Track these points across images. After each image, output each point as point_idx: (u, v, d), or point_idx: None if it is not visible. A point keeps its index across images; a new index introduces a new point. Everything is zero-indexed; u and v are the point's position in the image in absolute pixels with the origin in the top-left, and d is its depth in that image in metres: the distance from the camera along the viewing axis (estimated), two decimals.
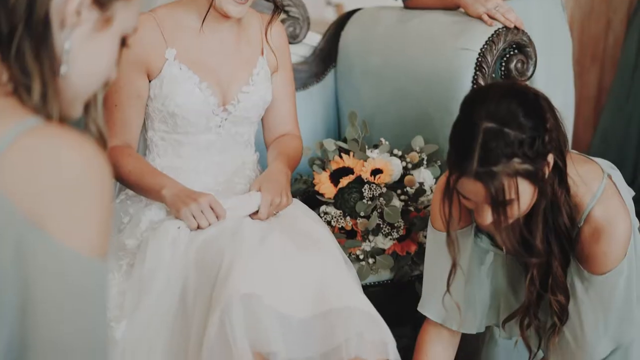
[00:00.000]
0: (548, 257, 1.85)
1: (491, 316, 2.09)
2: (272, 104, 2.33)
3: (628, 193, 1.94)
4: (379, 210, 2.32)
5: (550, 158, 1.78)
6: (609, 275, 1.86)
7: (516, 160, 1.73)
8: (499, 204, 1.75)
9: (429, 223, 2.05)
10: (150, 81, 2.19)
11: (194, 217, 2.04)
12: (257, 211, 2.12)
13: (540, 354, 2.02)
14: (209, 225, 2.05)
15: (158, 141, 2.24)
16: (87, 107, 1.23)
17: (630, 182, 2.01)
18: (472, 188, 1.76)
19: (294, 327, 1.89)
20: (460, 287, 2.00)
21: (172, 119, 2.19)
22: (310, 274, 1.95)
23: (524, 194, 1.76)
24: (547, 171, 1.78)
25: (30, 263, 1.07)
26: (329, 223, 2.32)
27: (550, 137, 1.77)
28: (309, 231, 2.11)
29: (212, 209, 2.06)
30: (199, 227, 2.04)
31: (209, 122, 2.20)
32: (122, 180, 2.18)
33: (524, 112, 1.74)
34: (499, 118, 1.73)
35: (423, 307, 2.08)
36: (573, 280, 1.90)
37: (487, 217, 1.79)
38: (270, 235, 2.01)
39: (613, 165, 1.98)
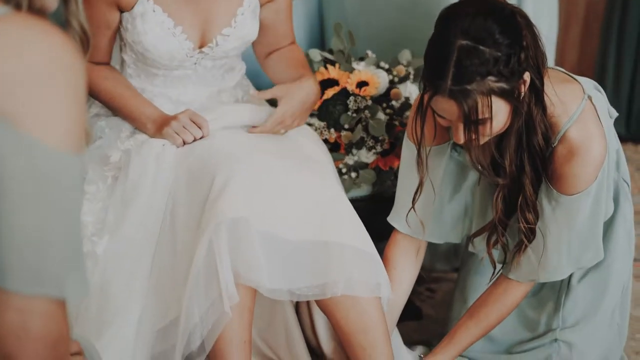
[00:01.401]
0: (520, 176, 1.84)
1: (463, 230, 2.09)
2: (267, 30, 2.18)
3: (609, 116, 1.92)
4: (363, 123, 2.29)
5: (527, 76, 1.75)
6: (577, 197, 1.85)
7: (491, 78, 1.70)
8: (472, 122, 1.73)
9: (405, 135, 2.03)
10: (122, 12, 2.05)
11: (177, 134, 2.00)
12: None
13: None
14: (194, 139, 2.01)
15: (131, 64, 2.14)
16: (67, 1, 1.17)
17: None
18: (445, 106, 1.75)
19: (286, 251, 1.87)
20: (429, 202, 2.00)
21: (142, 55, 2.08)
22: (311, 196, 1.93)
23: (499, 113, 1.74)
24: (523, 90, 1.76)
25: (1, 158, 1.03)
26: None
27: (527, 54, 1.74)
28: (312, 155, 2.08)
29: (193, 122, 2.01)
30: (185, 143, 2.01)
31: (183, 62, 2.09)
32: (100, 99, 2.12)
33: (500, 29, 1.71)
34: (474, 35, 1.70)
35: (393, 219, 2.08)
36: (541, 199, 1.89)
37: (461, 135, 1.77)
38: (268, 155, 1.97)
39: (598, 86, 1.95)
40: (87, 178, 2.02)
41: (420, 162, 1.90)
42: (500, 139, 1.83)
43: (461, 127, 1.76)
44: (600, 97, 1.91)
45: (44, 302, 1.05)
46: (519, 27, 1.74)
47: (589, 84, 1.92)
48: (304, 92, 2.11)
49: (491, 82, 1.70)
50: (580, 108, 1.83)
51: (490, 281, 2.00)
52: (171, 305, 1.88)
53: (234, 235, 1.81)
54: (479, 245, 2.02)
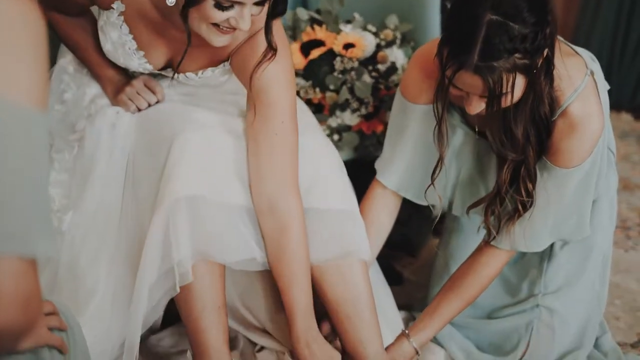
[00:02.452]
0: (525, 148, 1.83)
1: (446, 193, 2.08)
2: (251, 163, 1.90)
3: (605, 88, 1.91)
4: (348, 85, 2.26)
5: (545, 52, 1.73)
6: (570, 171, 1.85)
7: (517, 55, 1.68)
8: (494, 97, 1.71)
9: (398, 89, 2.01)
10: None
11: (131, 100, 1.96)
12: None
13: None
14: (149, 105, 1.97)
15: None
16: None
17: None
18: (468, 81, 1.72)
19: (252, 219, 1.86)
20: (421, 163, 1.99)
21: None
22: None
23: (517, 87, 1.72)
24: (539, 64, 1.74)
25: None
26: (297, 94, 2.25)
27: (551, 30, 1.72)
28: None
29: (147, 87, 1.97)
30: (140, 110, 1.97)
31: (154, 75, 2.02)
32: (68, 47, 2.05)
33: (528, 5, 1.68)
34: (504, 11, 1.66)
35: (383, 175, 2.06)
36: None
37: (476, 107, 1.76)
38: (236, 119, 1.94)
39: (594, 57, 1.94)
40: (55, 146, 1.98)
41: (440, 136, 1.86)
42: (505, 112, 1.81)
43: (477, 99, 1.75)
44: (598, 71, 1.90)
45: (13, 260, 1.04)
46: (546, 3, 1.72)
47: (588, 56, 1.91)
48: None
49: (517, 59, 1.68)
50: (583, 83, 1.82)
51: (478, 230, 1.99)
52: None
53: (193, 212, 1.78)
54: (474, 213, 2.01)
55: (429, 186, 1.92)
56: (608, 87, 1.95)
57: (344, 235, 1.91)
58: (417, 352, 1.97)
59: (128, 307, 1.83)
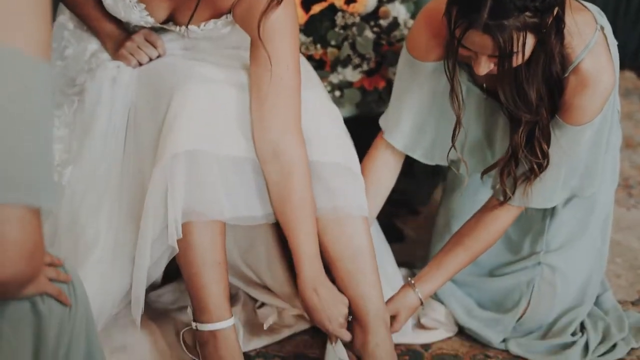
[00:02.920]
0: (538, 108, 1.81)
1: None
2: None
3: (614, 44, 1.89)
4: (350, 41, 2.24)
5: (555, 10, 1.71)
6: (582, 127, 1.83)
7: (527, 14, 1.65)
8: (504, 57, 1.69)
9: (404, 46, 1.98)
10: None
11: (131, 55, 1.94)
12: None
13: None
14: (150, 59, 1.95)
15: None
16: None
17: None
18: (477, 40, 1.69)
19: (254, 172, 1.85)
20: (430, 118, 1.98)
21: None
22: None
23: (527, 46, 1.70)
24: (549, 22, 1.71)
25: None
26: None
27: None
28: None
29: (148, 41, 1.95)
30: (141, 64, 1.94)
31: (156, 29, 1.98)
32: (67, 2, 2.03)
33: None
34: None
35: (390, 135, 2.04)
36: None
37: (484, 68, 1.74)
38: (238, 72, 1.91)
39: (601, 12, 1.91)
40: (55, 101, 1.96)
41: (455, 97, 1.84)
42: (517, 72, 1.78)
43: (486, 59, 1.73)
44: (607, 26, 1.88)
45: (17, 209, 1.05)
46: None
47: (596, 10, 1.89)
48: None
49: (527, 17, 1.65)
50: (594, 39, 1.80)
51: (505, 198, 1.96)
52: None
53: (192, 167, 1.77)
54: (487, 177, 1.99)
55: (451, 148, 1.89)
56: (616, 43, 1.92)
57: (342, 190, 1.90)
58: (421, 303, 1.96)
59: (129, 261, 1.83)
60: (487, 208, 1.96)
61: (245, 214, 1.86)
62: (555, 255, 2.06)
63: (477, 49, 1.71)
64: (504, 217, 1.95)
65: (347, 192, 1.91)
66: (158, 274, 2.10)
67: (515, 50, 1.68)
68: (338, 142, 1.95)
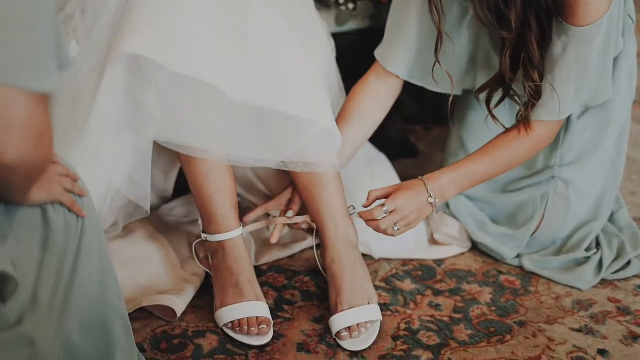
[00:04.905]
0: (524, 32, 1.76)
1: (468, 81, 2.02)
2: None
3: None
4: None
5: None
6: (589, 29, 1.77)
7: None
8: None
9: None
10: None
11: None
12: None
13: None
14: None
15: None
16: None
17: None
18: None
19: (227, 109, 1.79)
20: (427, 42, 1.93)
21: None
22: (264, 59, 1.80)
23: None
24: None
25: None
26: None
27: None
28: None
29: None
30: None
31: None
32: None
33: None
34: None
35: (387, 62, 1.99)
36: (552, 37, 1.81)
37: None
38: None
39: None
40: None
41: (432, 9, 1.80)
42: None
43: None
44: None
45: (23, 93, 1.08)
46: None
47: None
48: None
49: None
50: None
51: (485, 118, 1.93)
52: None
53: (134, 73, 1.72)
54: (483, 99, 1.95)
55: (435, 64, 1.85)
56: None
57: (316, 147, 1.85)
58: (432, 206, 1.85)
59: (130, 150, 1.80)
60: (511, 128, 1.91)
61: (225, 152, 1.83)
62: (570, 169, 2.03)
63: None
64: (522, 139, 1.89)
65: (322, 151, 1.86)
66: (169, 187, 2.08)
67: None
68: (314, 94, 1.86)
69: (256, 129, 1.82)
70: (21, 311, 1.23)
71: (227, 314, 1.82)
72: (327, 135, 1.86)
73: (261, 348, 1.78)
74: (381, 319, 1.86)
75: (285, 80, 1.80)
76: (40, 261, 1.28)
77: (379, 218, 1.80)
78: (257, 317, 1.81)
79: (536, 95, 1.83)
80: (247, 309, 1.81)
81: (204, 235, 1.87)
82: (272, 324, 1.82)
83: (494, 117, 1.88)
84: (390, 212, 1.80)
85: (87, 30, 1.82)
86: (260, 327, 1.79)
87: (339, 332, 1.82)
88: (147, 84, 1.74)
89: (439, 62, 1.86)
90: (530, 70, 1.80)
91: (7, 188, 1.19)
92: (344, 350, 1.80)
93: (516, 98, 1.87)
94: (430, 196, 1.83)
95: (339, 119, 1.99)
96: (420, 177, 1.86)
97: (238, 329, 1.80)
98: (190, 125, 1.78)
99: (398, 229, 1.82)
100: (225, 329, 1.82)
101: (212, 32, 1.76)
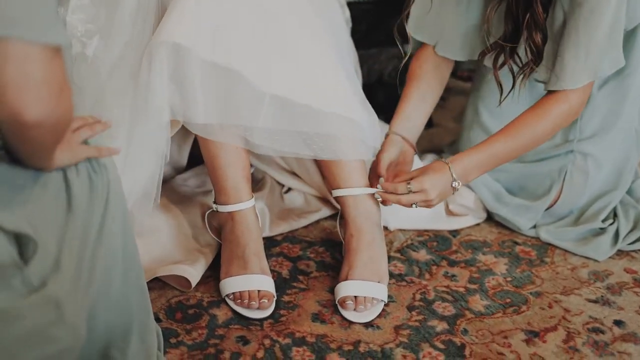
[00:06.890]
0: None
1: (476, 37, 2.00)
2: None
3: None
4: None
5: None
6: None
7: None
8: None
9: None
10: None
11: None
12: None
13: None
14: None
15: None
16: None
17: None
18: None
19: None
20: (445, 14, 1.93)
21: None
22: (301, 56, 1.80)
23: None
24: None
25: None
26: None
27: None
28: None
29: None
30: None
31: None
32: None
33: None
34: None
35: (417, 33, 1.99)
36: (562, 2, 1.80)
37: None
38: None
39: None
40: None
41: None
42: None
43: None
44: None
45: (37, 47, 1.09)
46: None
47: None
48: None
49: None
50: None
51: (501, 97, 1.91)
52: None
53: (174, 62, 1.72)
54: (489, 62, 1.93)
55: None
56: None
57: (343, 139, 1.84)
58: (454, 189, 1.83)
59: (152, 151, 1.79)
60: (534, 104, 1.89)
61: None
62: (589, 142, 2.01)
63: None
64: (544, 117, 1.86)
65: (350, 142, 1.85)
66: (183, 158, 2.08)
67: None
68: (339, 89, 1.85)
69: (286, 121, 1.81)
70: (44, 274, 1.23)
71: (229, 285, 1.81)
72: (357, 126, 1.84)
73: (276, 318, 1.78)
74: (386, 301, 1.84)
75: (316, 75, 1.80)
76: (63, 225, 1.27)
77: (401, 193, 1.79)
78: (259, 291, 1.79)
79: (537, 58, 1.81)
80: (251, 281, 1.80)
81: (214, 206, 1.86)
82: (275, 298, 1.80)
83: (497, 79, 1.86)
84: (415, 192, 1.79)
85: (105, 24, 1.81)
86: (261, 301, 1.78)
87: (344, 299, 1.80)
88: (188, 70, 1.74)
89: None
90: (533, 31, 1.79)
91: (34, 151, 1.19)
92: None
93: (518, 62, 1.85)
94: (455, 180, 1.82)
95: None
96: (444, 160, 1.84)
97: (239, 301, 1.79)
98: (227, 111, 1.77)
99: (416, 206, 1.81)
100: (227, 299, 1.81)
101: (248, 24, 1.76)
